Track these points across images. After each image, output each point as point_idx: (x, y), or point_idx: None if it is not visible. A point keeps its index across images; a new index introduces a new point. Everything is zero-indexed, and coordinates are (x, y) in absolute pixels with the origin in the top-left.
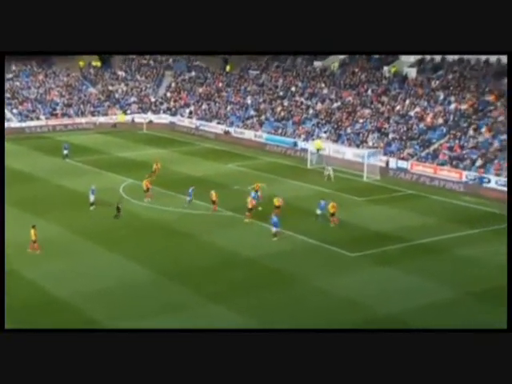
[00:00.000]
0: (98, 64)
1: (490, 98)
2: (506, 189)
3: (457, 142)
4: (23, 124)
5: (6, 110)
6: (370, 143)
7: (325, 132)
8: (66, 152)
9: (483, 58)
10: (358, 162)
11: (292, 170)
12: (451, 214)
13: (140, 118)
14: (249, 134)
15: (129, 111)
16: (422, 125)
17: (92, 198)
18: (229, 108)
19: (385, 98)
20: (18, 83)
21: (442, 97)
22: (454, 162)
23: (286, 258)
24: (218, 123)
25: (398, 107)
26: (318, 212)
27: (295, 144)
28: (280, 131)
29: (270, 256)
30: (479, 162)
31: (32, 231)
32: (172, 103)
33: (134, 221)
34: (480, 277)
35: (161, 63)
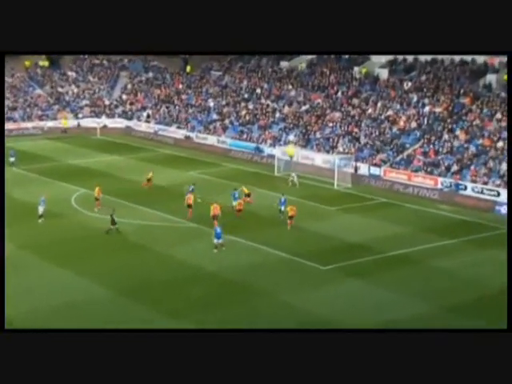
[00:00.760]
0: (46, 64)
1: (466, 100)
2: (482, 196)
3: (431, 146)
4: None
5: None
6: (341, 148)
7: (293, 136)
8: (12, 159)
9: (457, 58)
10: (328, 169)
11: (258, 178)
12: (426, 223)
13: (93, 123)
14: (211, 140)
15: (80, 115)
16: (394, 129)
17: (41, 210)
18: (189, 111)
19: (356, 101)
20: None
21: (415, 99)
22: (429, 169)
23: (252, 271)
24: (178, 128)
25: (369, 110)
26: (282, 208)
27: (261, 150)
28: (245, 136)
29: (234, 269)
30: (455, 168)
31: None
32: (128, 106)
33: (87, 233)
34: (455, 289)
35: (115, 63)
